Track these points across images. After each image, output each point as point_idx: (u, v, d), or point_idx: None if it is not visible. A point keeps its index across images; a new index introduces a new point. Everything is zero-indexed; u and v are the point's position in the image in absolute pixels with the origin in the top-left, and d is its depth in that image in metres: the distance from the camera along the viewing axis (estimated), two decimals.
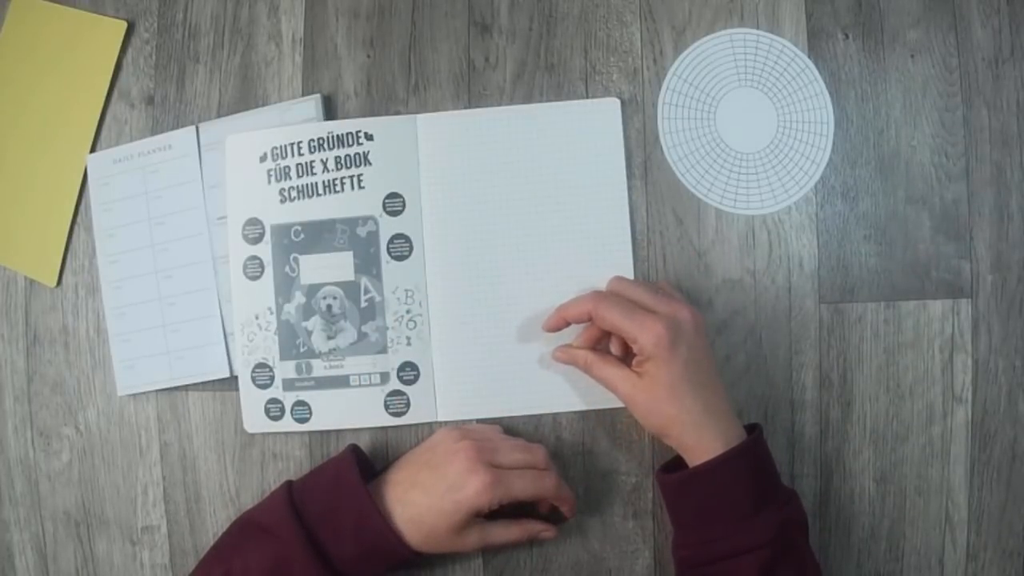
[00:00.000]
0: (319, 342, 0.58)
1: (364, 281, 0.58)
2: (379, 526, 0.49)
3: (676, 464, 0.53)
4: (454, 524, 0.50)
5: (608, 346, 0.54)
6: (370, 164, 0.58)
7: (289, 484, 0.52)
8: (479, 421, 0.58)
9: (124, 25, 0.61)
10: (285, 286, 0.58)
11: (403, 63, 0.60)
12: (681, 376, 0.49)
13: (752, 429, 0.52)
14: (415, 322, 0.58)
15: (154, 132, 0.61)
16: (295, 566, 0.48)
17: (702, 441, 0.49)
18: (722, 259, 0.58)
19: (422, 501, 0.50)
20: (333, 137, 0.58)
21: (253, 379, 0.59)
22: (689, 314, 0.50)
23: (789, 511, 0.50)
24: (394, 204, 0.58)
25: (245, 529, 0.51)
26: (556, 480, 0.53)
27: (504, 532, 0.53)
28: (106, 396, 0.61)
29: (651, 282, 0.56)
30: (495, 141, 0.58)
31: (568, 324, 0.55)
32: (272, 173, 0.58)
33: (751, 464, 0.50)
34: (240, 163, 0.59)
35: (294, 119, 0.59)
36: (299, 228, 0.58)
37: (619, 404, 0.57)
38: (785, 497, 0.51)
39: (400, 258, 0.58)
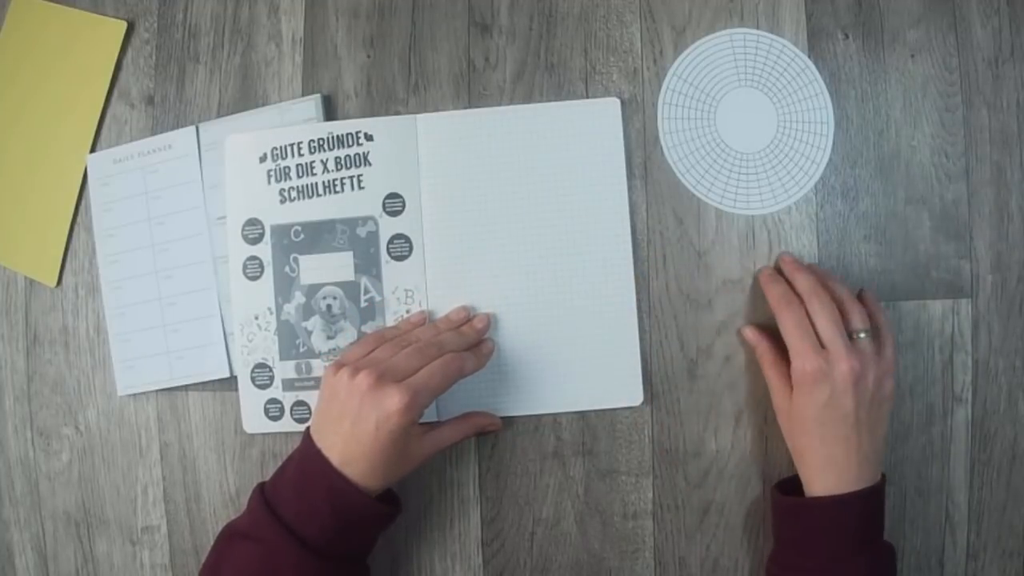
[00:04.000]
0: (319, 342, 0.58)
1: (364, 281, 0.58)
2: (349, 492, 0.49)
3: (793, 482, 0.55)
4: (399, 450, 0.50)
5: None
6: (370, 164, 0.58)
7: (261, 486, 0.52)
8: None
9: (124, 25, 0.61)
10: (285, 286, 0.58)
11: (403, 63, 0.60)
12: (815, 418, 0.51)
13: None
14: None
15: (154, 132, 0.61)
16: (280, 560, 0.48)
17: (814, 481, 0.51)
18: (722, 259, 0.58)
19: (361, 450, 0.49)
20: (333, 137, 0.58)
21: (252, 379, 0.59)
22: (848, 368, 0.50)
23: (882, 566, 0.51)
24: (394, 204, 0.58)
25: (227, 539, 0.51)
26: (459, 361, 0.52)
27: (452, 433, 0.54)
28: (106, 396, 0.61)
29: (856, 306, 0.53)
30: (495, 141, 0.58)
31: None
32: (272, 173, 0.58)
33: (861, 512, 0.51)
34: (240, 163, 0.59)
35: (294, 119, 0.59)
36: (299, 228, 0.58)
37: (619, 404, 0.58)
38: (882, 552, 0.52)
39: (400, 258, 0.58)
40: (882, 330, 0.54)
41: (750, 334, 0.56)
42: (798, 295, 0.53)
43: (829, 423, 0.50)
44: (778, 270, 0.57)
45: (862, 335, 0.52)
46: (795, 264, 0.56)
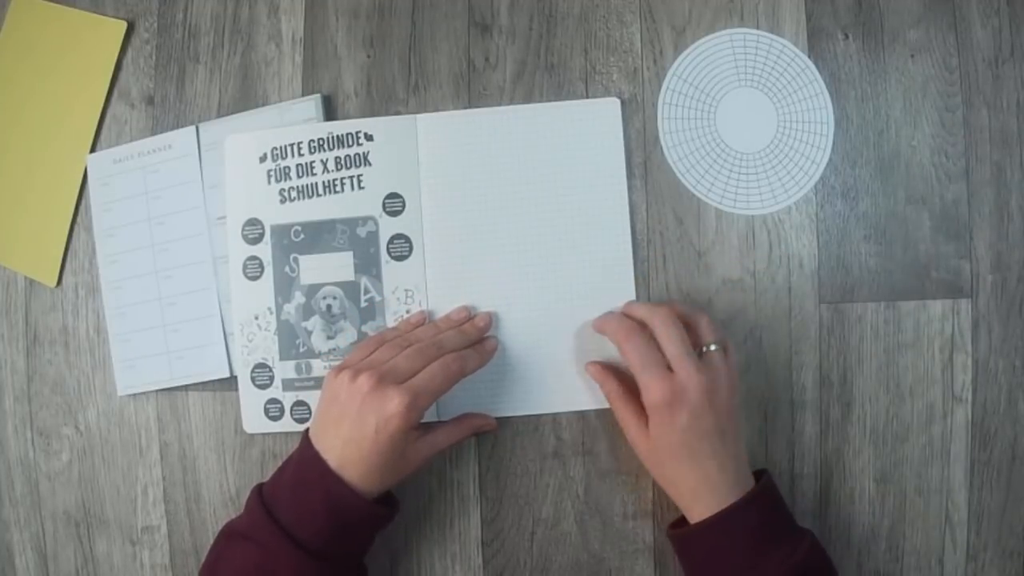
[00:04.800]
0: (319, 342, 0.58)
1: (364, 281, 0.58)
2: (346, 495, 0.49)
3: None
4: (398, 454, 0.49)
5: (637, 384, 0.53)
6: (370, 164, 0.58)
7: (259, 486, 0.52)
8: None
9: (124, 25, 0.61)
10: (285, 286, 0.58)
11: (403, 63, 0.60)
12: (679, 443, 0.50)
13: (759, 476, 0.52)
14: None
15: (154, 132, 0.61)
16: (277, 561, 0.48)
17: (695, 507, 0.51)
18: (722, 259, 0.58)
19: (360, 453, 0.49)
20: (333, 137, 0.58)
21: (252, 379, 0.59)
22: (699, 387, 0.49)
23: (796, 559, 0.49)
24: (394, 204, 0.58)
25: (226, 538, 0.51)
26: (460, 360, 0.52)
27: (447, 436, 0.54)
28: (106, 396, 0.61)
29: (702, 320, 0.53)
30: (495, 141, 0.58)
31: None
32: (272, 173, 0.58)
33: (746, 522, 0.49)
34: (240, 163, 0.59)
35: (294, 119, 0.59)
36: (299, 228, 0.58)
37: None
38: (791, 547, 0.49)
39: (400, 258, 0.58)
40: (724, 339, 0.53)
41: (594, 372, 0.55)
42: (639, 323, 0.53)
43: (695, 444, 0.50)
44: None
45: (712, 347, 0.51)
46: (630, 303, 0.56)
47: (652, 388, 0.50)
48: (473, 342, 0.55)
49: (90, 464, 0.61)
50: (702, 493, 0.50)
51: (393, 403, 0.48)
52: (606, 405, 0.57)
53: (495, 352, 0.56)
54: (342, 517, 0.49)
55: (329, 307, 0.58)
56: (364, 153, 0.58)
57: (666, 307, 0.53)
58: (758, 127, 0.59)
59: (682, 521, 0.53)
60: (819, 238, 0.58)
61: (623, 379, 0.55)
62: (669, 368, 0.50)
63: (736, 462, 0.51)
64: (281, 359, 0.58)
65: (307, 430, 0.52)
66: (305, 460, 0.50)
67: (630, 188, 0.58)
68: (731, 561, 0.49)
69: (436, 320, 0.57)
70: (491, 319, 0.57)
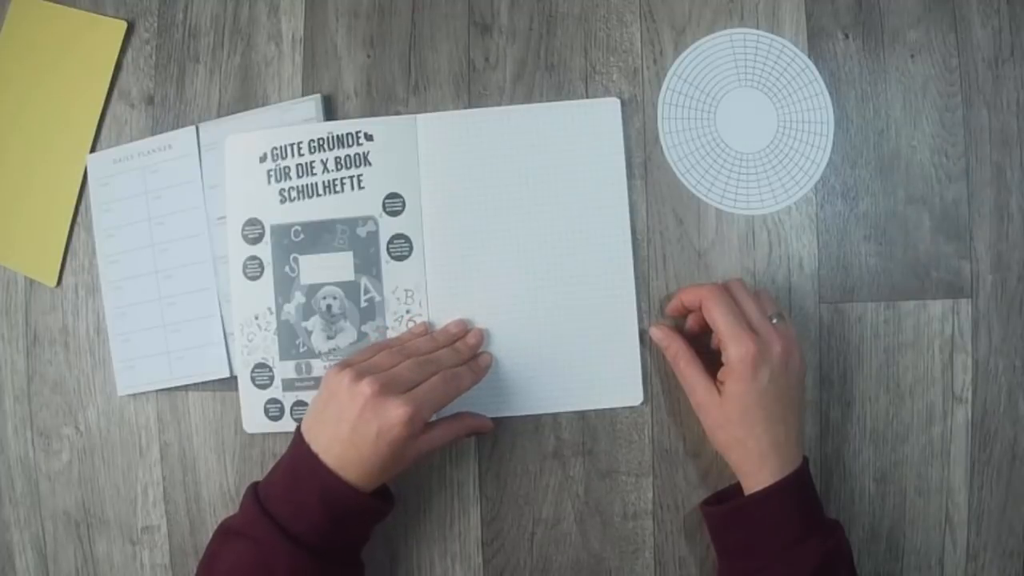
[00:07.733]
0: (319, 342, 0.58)
1: (364, 281, 0.58)
2: (342, 490, 0.49)
3: (717, 498, 0.55)
4: (396, 457, 0.50)
5: (702, 347, 0.55)
6: (370, 164, 0.58)
7: (255, 485, 0.52)
8: None
9: (124, 25, 0.61)
10: (285, 286, 0.58)
11: (403, 63, 0.60)
12: (756, 403, 0.50)
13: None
14: (415, 322, 0.58)
15: (154, 132, 0.61)
16: (272, 557, 0.48)
17: (760, 472, 0.51)
18: (722, 259, 0.58)
19: (359, 455, 0.49)
20: (333, 137, 0.58)
21: (253, 379, 0.59)
22: (781, 347, 0.51)
23: (833, 543, 0.50)
24: (394, 204, 0.58)
25: (222, 536, 0.51)
26: (457, 379, 0.52)
27: (444, 433, 0.54)
28: (106, 396, 0.61)
29: (765, 295, 0.54)
30: (495, 141, 0.58)
31: (686, 311, 0.56)
32: (272, 173, 0.58)
33: (799, 495, 0.51)
34: (240, 163, 0.59)
35: (294, 119, 0.59)
36: (299, 228, 0.58)
37: (618, 404, 0.58)
38: (829, 528, 0.51)
39: (400, 258, 0.58)
40: (784, 312, 0.54)
41: (658, 334, 0.55)
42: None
43: (770, 405, 0.50)
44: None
45: (774, 320, 0.52)
46: (693, 285, 0.56)
47: (740, 342, 0.50)
48: (465, 360, 0.55)
49: (90, 464, 0.61)
50: (770, 456, 0.50)
51: (397, 412, 0.48)
52: (606, 405, 0.58)
53: (488, 368, 0.56)
54: (337, 511, 0.49)
55: (329, 307, 0.58)
56: (364, 153, 0.58)
57: (736, 280, 0.54)
58: (758, 127, 0.59)
59: (714, 501, 0.54)
60: (819, 238, 0.58)
61: (687, 342, 0.55)
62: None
63: (798, 434, 0.52)
64: (281, 359, 0.58)
65: (299, 426, 0.52)
66: (299, 457, 0.50)
67: (630, 188, 0.58)
68: (780, 533, 0.50)
69: (434, 334, 0.57)
70: (482, 336, 0.57)
